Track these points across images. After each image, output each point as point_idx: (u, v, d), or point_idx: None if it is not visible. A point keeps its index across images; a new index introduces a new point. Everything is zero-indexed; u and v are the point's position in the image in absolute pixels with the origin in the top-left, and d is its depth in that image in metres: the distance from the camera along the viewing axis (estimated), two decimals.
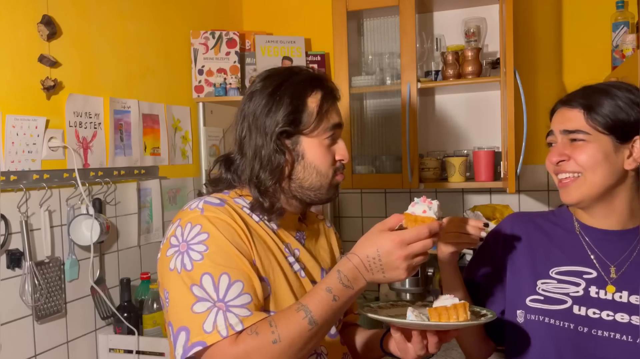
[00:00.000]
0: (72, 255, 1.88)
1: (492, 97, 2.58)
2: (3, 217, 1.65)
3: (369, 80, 2.57)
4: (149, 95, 2.28)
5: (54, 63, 1.81)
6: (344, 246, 1.43)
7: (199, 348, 1.01)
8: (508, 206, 2.44)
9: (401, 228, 1.05)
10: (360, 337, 1.38)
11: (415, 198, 1.06)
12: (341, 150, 1.22)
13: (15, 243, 1.69)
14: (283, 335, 1.00)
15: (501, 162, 2.33)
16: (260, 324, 1.02)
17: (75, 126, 1.90)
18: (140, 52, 2.24)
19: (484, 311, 1.17)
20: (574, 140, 1.21)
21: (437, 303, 1.10)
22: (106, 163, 2.03)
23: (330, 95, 1.21)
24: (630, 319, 1.16)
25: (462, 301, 1.08)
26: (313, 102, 1.18)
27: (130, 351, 1.94)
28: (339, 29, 2.51)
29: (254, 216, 1.18)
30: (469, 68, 2.39)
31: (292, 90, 1.18)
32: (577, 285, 1.22)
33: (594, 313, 1.20)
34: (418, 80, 2.41)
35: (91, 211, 1.88)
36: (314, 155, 1.18)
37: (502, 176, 2.35)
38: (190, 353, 1.02)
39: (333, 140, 1.21)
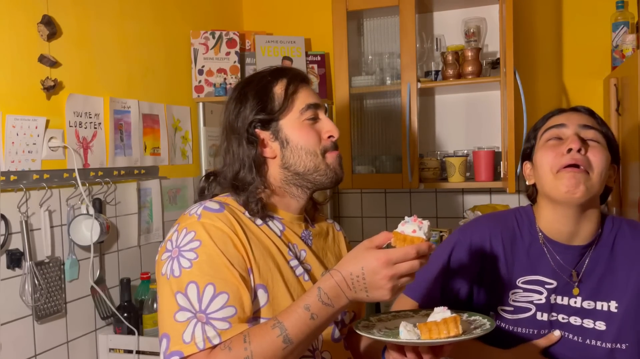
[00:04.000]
0: (72, 255, 1.88)
1: (492, 97, 2.58)
2: (3, 217, 1.65)
3: (369, 80, 2.57)
4: (149, 95, 2.28)
5: (54, 64, 1.81)
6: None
7: (177, 357, 1.02)
8: (508, 206, 2.44)
9: (389, 246, 1.01)
10: (364, 346, 1.36)
11: (406, 217, 1.02)
12: (327, 126, 1.21)
13: (15, 243, 1.69)
14: (256, 352, 0.99)
15: (501, 162, 2.33)
16: (234, 339, 1.01)
17: (75, 126, 1.90)
18: (140, 52, 2.24)
19: (481, 321, 1.12)
20: (586, 139, 1.22)
21: (431, 317, 1.06)
22: (106, 163, 2.03)
23: (296, 79, 1.21)
24: (582, 322, 1.25)
25: (453, 315, 1.04)
26: (279, 88, 1.19)
27: (130, 351, 1.94)
28: (339, 29, 2.51)
29: (257, 220, 1.18)
30: (469, 68, 2.39)
31: (255, 85, 1.21)
32: (540, 293, 1.28)
33: (552, 316, 1.27)
34: (418, 80, 2.41)
35: (91, 211, 1.88)
36: (297, 136, 1.18)
37: (502, 176, 2.35)
38: None
39: (314, 119, 1.20)
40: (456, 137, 2.67)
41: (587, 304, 1.25)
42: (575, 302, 1.26)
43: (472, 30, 2.44)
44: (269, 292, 1.12)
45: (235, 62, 2.55)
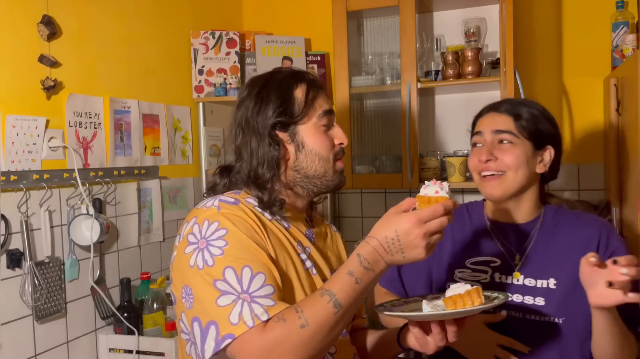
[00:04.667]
0: (72, 255, 1.88)
1: (492, 97, 2.56)
2: (3, 217, 1.65)
3: (369, 80, 2.57)
4: (149, 95, 2.28)
5: (54, 64, 1.81)
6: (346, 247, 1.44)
7: (229, 340, 1.02)
8: None
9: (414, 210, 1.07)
10: (373, 338, 1.39)
11: (426, 181, 1.08)
12: (339, 133, 1.26)
13: (16, 243, 1.69)
14: (310, 319, 1.01)
15: None
16: (286, 311, 1.03)
17: (75, 126, 1.90)
18: (140, 52, 2.24)
19: (495, 294, 1.19)
20: (501, 141, 1.37)
21: (450, 293, 1.12)
22: (106, 163, 2.03)
23: (314, 85, 1.25)
24: (523, 299, 1.35)
25: (475, 287, 1.11)
26: (299, 92, 1.22)
27: (130, 351, 1.94)
28: (339, 29, 2.51)
29: (266, 214, 1.21)
30: (469, 68, 2.39)
31: (277, 85, 1.23)
32: (485, 272, 1.40)
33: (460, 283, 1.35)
34: (418, 80, 2.41)
35: (91, 211, 1.88)
36: (314, 142, 1.22)
37: None
38: (222, 346, 1.02)
39: (328, 126, 1.25)
40: (456, 137, 2.67)
41: (529, 282, 1.35)
42: (518, 280, 1.36)
43: (472, 30, 2.44)
44: (282, 281, 1.14)
45: (235, 62, 2.55)
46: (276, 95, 1.21)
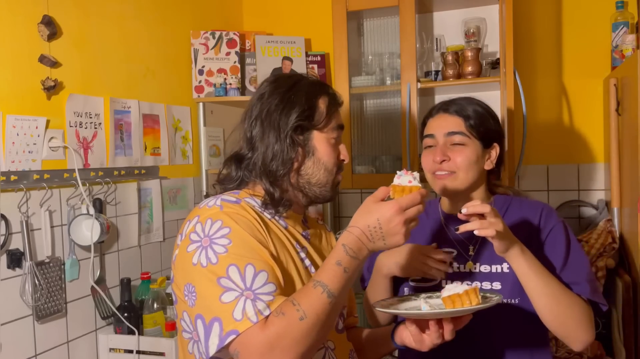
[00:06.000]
0: (73, 255, 1.88)
1: (492, 97, 2.57)
2: (3, 217, 1.65)
3: (369, 80, 2.57)
4: (149, 95, 2.28)
5: (54, 64, 1.81)
6: None
7: (233, 336, 1.03)
8: None
9: (389, 199, 1.12)
10: (368, 335, 1.43)
11: (398, 171, 1.15)
12: (344, 150, 1.31)
13: (16, 243, 1.69)
14: (308, 311, 1.04)
15: None
16: (283, 304, 1.05)
17: (76, 126, 1.90)
18: (140, 52, 2.24)
19: (488, 295, 1.23)
20: (453, 143, 1.43)
21: (446, 293, 1.16)
22: (106, 163, 2.03)
23: (335, 99, 1.30)
24: (481, 285, 1.41)
25: (473, 287, 1.15)
26: (322, 102, 1.27)
27: (130, 351, 1.95)
28: (339, 29, 2.51)
29: (266, 213, 1.22)
30: (469, 69, 2.39)
31: (306, 90, 1.27)
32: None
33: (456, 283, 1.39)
34: (418, 80, 2.41)
35: (91, 211, 1.88)
36: (324, 152, 1.25)
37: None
38: (226, 342, 1.04)
39: (337, 140, 1.29)
40: None
41: (484, 269, 1.42)
42: (475, 268, 1.43)
43: (472, 31, 2.44)
44: (284, 279, 1.15)
45: (235, 62, 2.55)
46: (303, 100, 1.24)
